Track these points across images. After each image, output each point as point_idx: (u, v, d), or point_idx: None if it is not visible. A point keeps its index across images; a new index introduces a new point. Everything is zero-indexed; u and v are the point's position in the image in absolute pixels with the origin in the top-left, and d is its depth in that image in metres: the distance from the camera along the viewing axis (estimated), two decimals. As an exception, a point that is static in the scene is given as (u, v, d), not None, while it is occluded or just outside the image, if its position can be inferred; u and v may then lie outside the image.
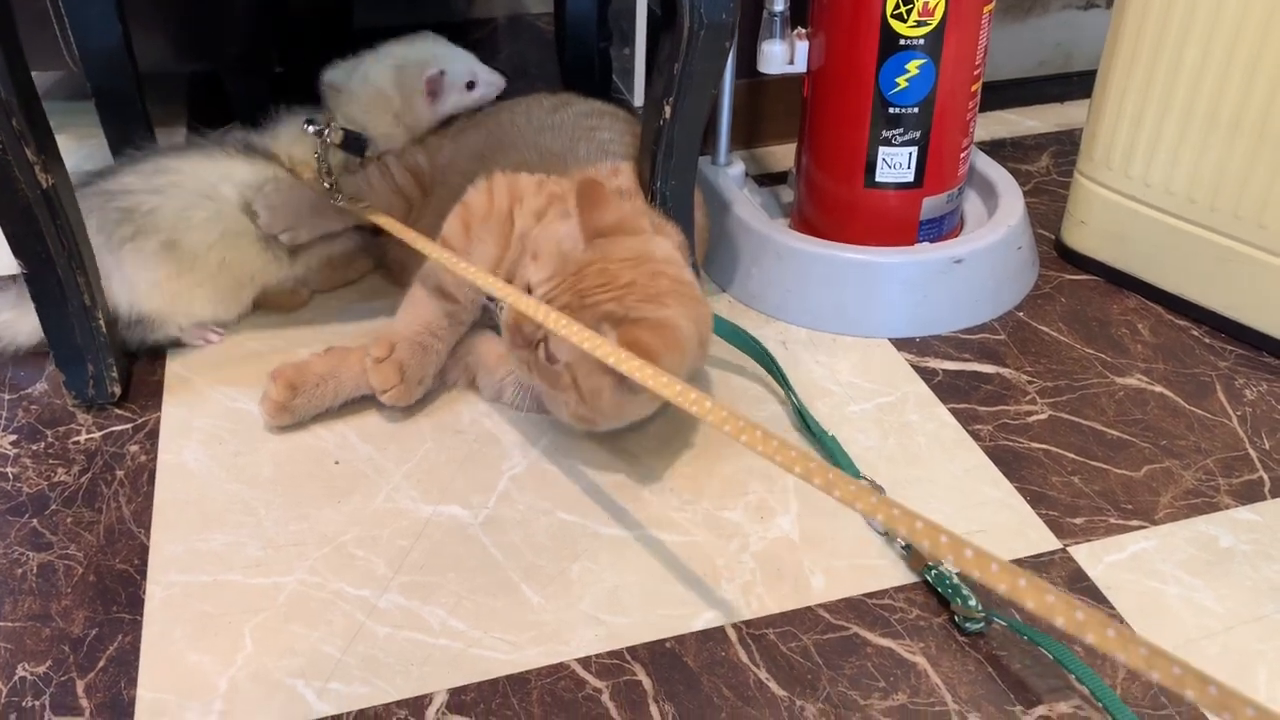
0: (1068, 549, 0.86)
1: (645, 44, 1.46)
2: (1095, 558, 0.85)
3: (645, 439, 0.96)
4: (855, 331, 1.10)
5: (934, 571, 0.83)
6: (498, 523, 0.88)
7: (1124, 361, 1.06)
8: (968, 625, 0.79)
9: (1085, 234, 1.18)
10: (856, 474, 0.92)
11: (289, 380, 0.95)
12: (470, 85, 1.15)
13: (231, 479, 0.92)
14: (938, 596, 0.82)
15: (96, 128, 1.33)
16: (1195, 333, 1.10)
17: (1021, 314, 1.13)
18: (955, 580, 0.80)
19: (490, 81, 1.16)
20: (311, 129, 1.08)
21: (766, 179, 1.37)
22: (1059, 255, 1.22)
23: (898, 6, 1.00)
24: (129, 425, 0.98)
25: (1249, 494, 0.91)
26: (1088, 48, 1.52)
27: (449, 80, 1.13)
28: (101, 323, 0.96)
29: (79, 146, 1.39)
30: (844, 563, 0.84)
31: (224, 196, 1.03)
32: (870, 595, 0.82)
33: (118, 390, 0.99)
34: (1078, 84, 1.55)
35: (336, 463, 0.94)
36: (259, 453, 0.95)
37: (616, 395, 0.85)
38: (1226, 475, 0.93)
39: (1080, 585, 0.83)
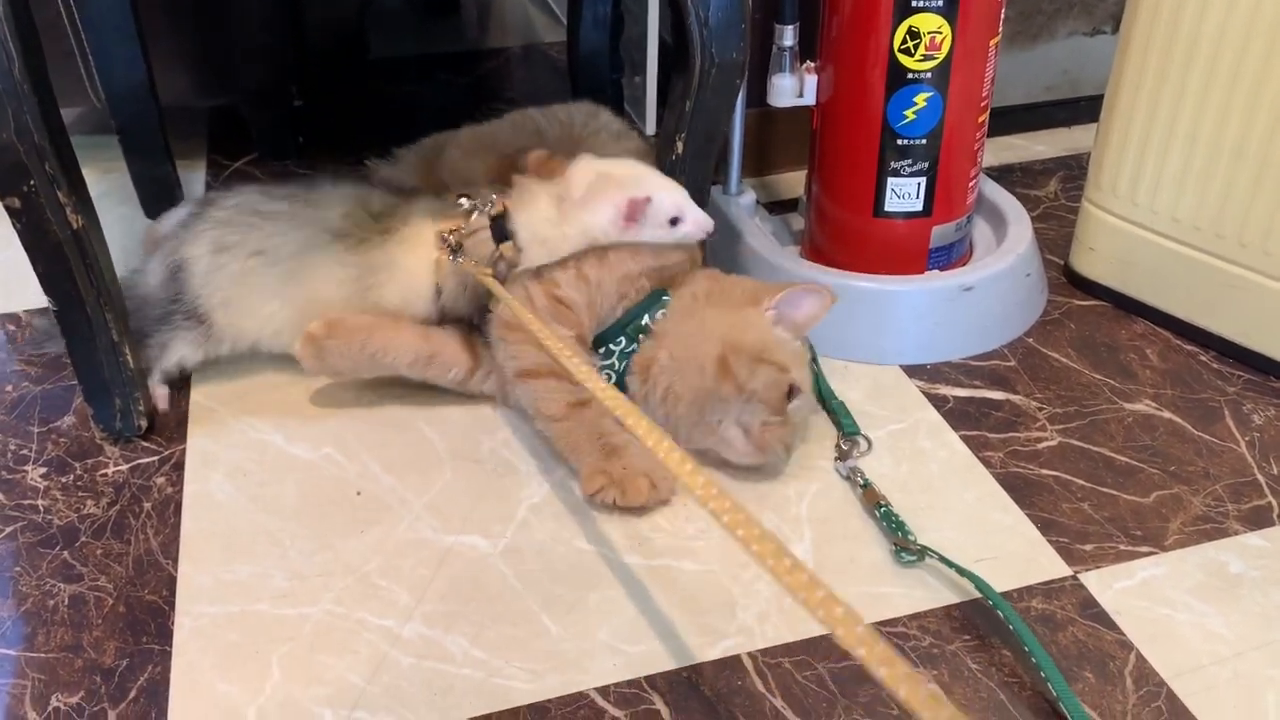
0: (1078, 575, 0.87)
1: (657, 74, 1.48)
2: (1105, 584, 0.86)
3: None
4: (867, 358, 1.11)
5: (882, 509, 0.92)
6: (517, 552, 0.89)
7: (1133, 387, 1.07)
8: (902, 555, 0.88)
9: (1094, 260, 1.19)
10: (855, 429, 1.01)
11: (330, 320, 0.99)
12: (674, 221, 0.98)
13: (257, 510, 0.94)
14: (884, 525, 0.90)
15: (119, 160, 1.36)
16: (1203, 358, 1.11)
17: (1031, 340, 1.15)
18: (899, 519, 0.91)
19: (699, 223, 0.99)
20: (466, 203, 1.02)
21: (777, 206, 1.39)
22: (1068, 281, 1.24)
23: (905, 41, 1.02)
24: (155, 458, 1.00)
25: (1258, 520, 0.92)
26: (1095, 73, 1.53)
27: (653, 210, 0.97)
28: (129, 358, 0.99)
29: (101, 180, 1.43)
30: (858, 590, 0.86)
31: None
32: (884, 623, 0.83)
33: (144, 423, 1.02)
34: (1085, 109, 1.56)
35: (359, 493, 0.96)
36: (283, 483, 0.97)
37: None
38: (1235, 501, 0.94)
39: (1090, 612, 0.84)
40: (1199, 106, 1.04)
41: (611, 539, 0.91)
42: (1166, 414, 1.04)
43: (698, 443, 0.95)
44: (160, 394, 1.06)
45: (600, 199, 0.96)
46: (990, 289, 1.12)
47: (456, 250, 0.99)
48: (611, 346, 1.00)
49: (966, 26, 1.02)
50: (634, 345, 0.99)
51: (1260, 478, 0.96)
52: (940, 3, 1.00)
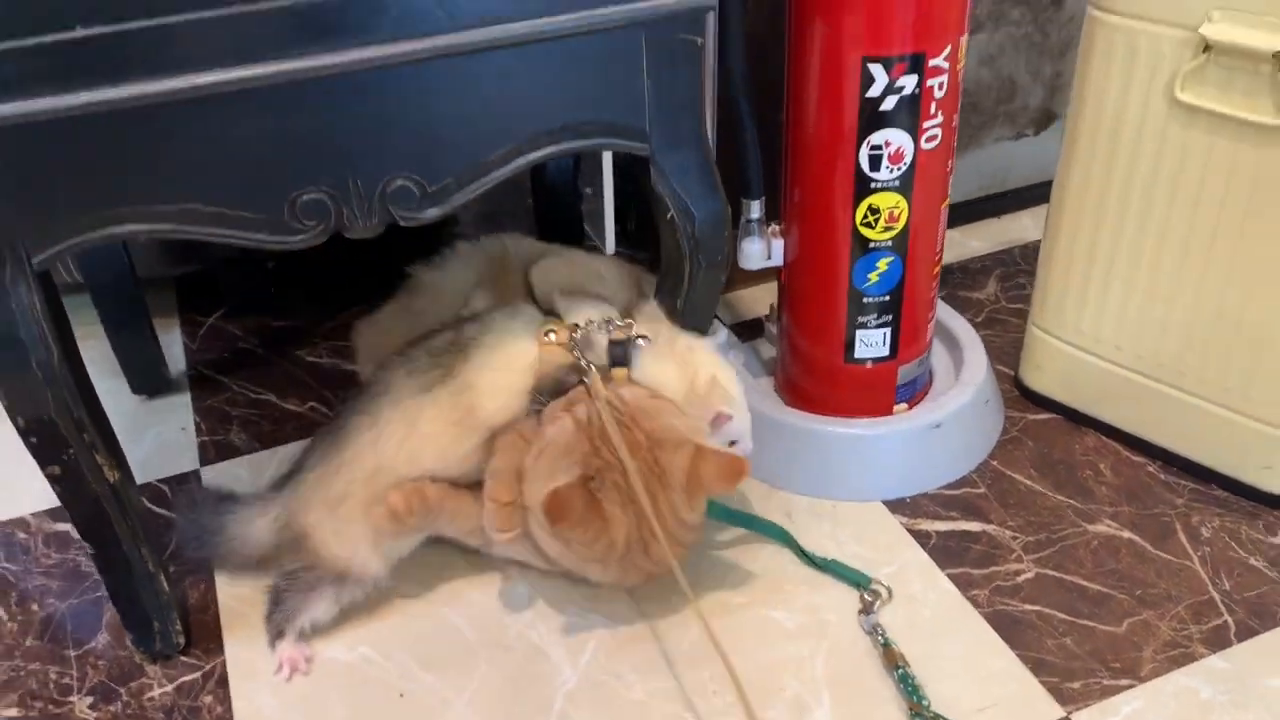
0: (1070, 717, 0.97)
1: (614, 197, 1.55)
2: (1095, 723, 0.96)
3: (679, 643, 1.05)
4: (851, 497, 1.20)
5: (900, 671, 0.98)
6: (563, 746, 0.96)
7: (1092, 507, 1.18)
8: None
9: (1042, 377, 1.30)
10: (867, 581, 1.08)
11: (409, 492, 1.00)
12: (731, 444, 1.06)
13: (308, 725, 0.99)
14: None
15: (94, 325, 1.38)
16: (1151, 469, 1.23)
17: (995, 462, 1.25)
18: (916, 683, 0.97)
19: (744, 452, 1.07)
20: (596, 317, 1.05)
21: (743, 328, 1.46)
22: (1020, 394, 1.34)
23: (866, 216, 1.11)
24: (198, 674, 1.04)
25: (1218, 640, 1.03)
26: (1020, 170, 1.65)
27: (728, 428, 1.05)
28: (164, 584, 1.03)
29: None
30: (879, 753, 0.95)
31: None
32: (907, 786, 0.92)
33: (182, 640, 1.06)
34: (1012, 199, 1.68)
35: (401, 695, 1.02)
36: (325, 691, 1.02)
37: None
38: (1197, 622, 1.05)
39: (1086, 754, 0.94)
40: (1135, 249, 1.14)
41: (648, 722, 0.98)
42: (1126, 534, 1.15)
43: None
44: (293, 652, 1.04)
45: (704, 403, 1.04)
46: (957, 422, 1.21)
47: (580, 346, 1.02)
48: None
49: (921, 198, 1.11)
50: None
51: (1215, 595, 1.08)
52: (896, 182, 1.09)
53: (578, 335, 1.03)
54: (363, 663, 1.05)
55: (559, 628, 1.07)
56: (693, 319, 1.06)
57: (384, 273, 1.38)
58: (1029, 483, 1.22)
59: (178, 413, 1.39)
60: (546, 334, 1.03)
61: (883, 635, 1.03)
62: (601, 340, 1.03)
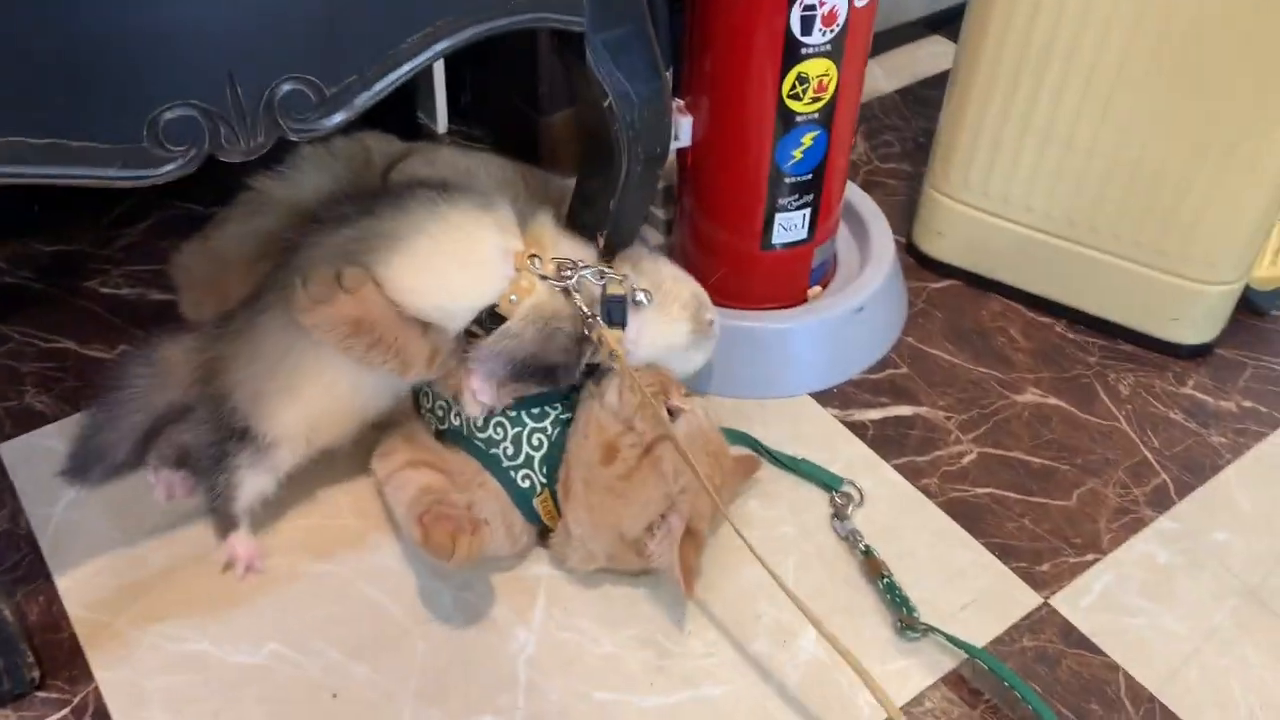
0: (1048, 601, 0.95)
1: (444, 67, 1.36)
2: (1073, 605, 0.95)
3: (634, 583, 0.95)
4: (777, 394, 1.12)
5: (885, 580, 0.94)
6: (541, 724, 0.85)
7: (1014, 376, 1.16)
8: (908, 633, 0.91)
9: (943, 244, 1.25)
10: (839, 482, 1.02)
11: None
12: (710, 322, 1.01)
13: (230, 753, 0.83)
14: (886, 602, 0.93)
15: None
16: (1059, 329, 1.21)
17: (910, 339, 1.19)
18: (903, 593, 0.93)
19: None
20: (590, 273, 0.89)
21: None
22: (916, 263, 1.29)
23: (794, 87, 0.99)
24: (66, 709, 0.85)
25: (1161, 501, 1.04)
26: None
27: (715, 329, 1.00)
28: (7, 614, 0.81)
29: None
30: (877, 671, 0.88)
31: None
32: (912, 703, 0.88)
33: (37, 674, 0.85)
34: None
35: (334, 696, 0.86)
36: (243, 703, 0.85)
37: None
38: (1138, 485, 1.05)
39: (1073, 638, 0.92)
40: (1053, 104, 1.09)
41: (627, 681, 0.88)
42: (1052, 400, 1.13)
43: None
44: (248, 545, 0.93)
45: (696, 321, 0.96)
46: (878, 304, 1.15)
47: (570, 290, 0.87)
48: (548, 408, 0.94)
49: (850, 63, 1.00)
50: (570, 414, 0.93)
51: (1147, 454, 1.08)
52: (828, 46, 0.97)
53: (573, 277, 0.86)
54: (277, 662, 0.88)
55: (496, 586, 0.94)
56: (625, 224, 0.92)
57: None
58: (948, 357, 1.18)
59: (-55, 377, 1.11)
60: (531, 258, 0.86)
61: (863, 542, 0.97)
62: (594, 289, 0.88)
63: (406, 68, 0.71)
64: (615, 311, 0.88)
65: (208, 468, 0.89)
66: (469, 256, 0.85)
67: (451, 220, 0.85)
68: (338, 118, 0.70)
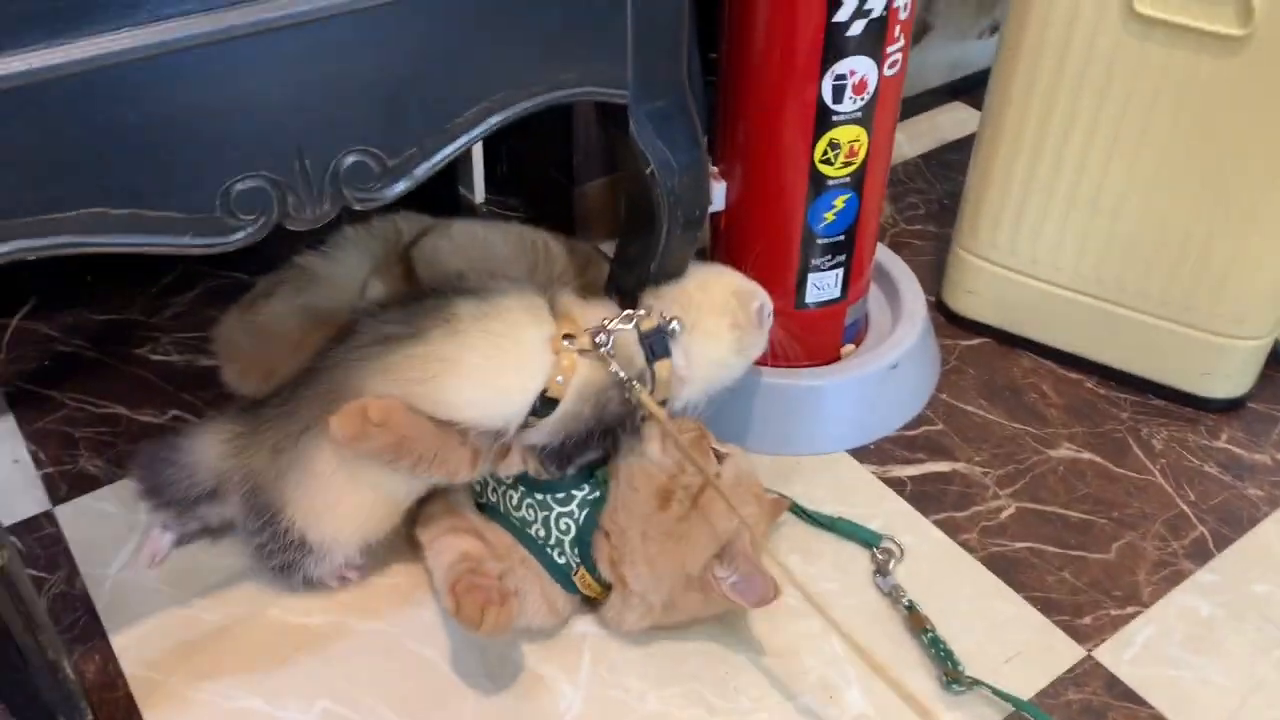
0: (1092, 654, 0.95)
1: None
2: (1116, 657, 0.95)
3: (680, 639, 0.96)
4: (814, 450, 1.14)
5: (929, 635, 0.94)
6: (591, 780, 0.86)
7: (1048, 431, 1.17)
8: (954, 687, 0.91)
9: (974, 302, 1.27)
10: (878, 539, 1.03)
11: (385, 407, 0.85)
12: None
13: (285, 811, 0.84)
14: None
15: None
16: (1090, 385, 1.23)
17: (944, 396, 1.21)
18: (947, 646, 0.94)
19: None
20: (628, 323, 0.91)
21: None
22: (946, 320, 1.31)
23: (826, 153, 1.02)
24: (123, 769, 0.86)
25: (1200, 553, 1.04)
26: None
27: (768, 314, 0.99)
28: (68, 672, 0.83)
29: None
30: (922, 727, 0.89)
31: None
32: (960, 757, 0.88)
33: (96, 732, 0.87)
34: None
35: (386, 752, 0.87)
36: (294, 763, 0.86)
37: None
38: (1176, 538, 1.06)
39: (1118, 691, 0.92)
40: (1080, 166, 1.11)
41: (675, 735, 0.89)
42: (1087, 455, 1.14)
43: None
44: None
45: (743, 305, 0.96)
46: (910, 360, 1.17)
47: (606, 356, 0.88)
48: (574, 491, 0.95)
49: (880, 129, 1.03)
50: (598, 492, 0.95)
51: (1184, 507, 1.09)
52: (859, 113, 1.00)
53: (603, 339, 0.88)
54: (328, 720, 0.90)
55: (543, 644, 0.96)
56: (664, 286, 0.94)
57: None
58: (982, 413, 1.19)
59: (3, 442, 1.14)
60: (565, 339, 0.88)
61: (906, 598, 0.97)
62: (629, 336, 0.90)
63: (463, 139, 0.75)
64: (657, 345, 0.90)
65: (265, 563, 0.95)
66: (518, 360, 0.87)
67: (494, 330, 0.87)
68: (399, 187, 0.73)
